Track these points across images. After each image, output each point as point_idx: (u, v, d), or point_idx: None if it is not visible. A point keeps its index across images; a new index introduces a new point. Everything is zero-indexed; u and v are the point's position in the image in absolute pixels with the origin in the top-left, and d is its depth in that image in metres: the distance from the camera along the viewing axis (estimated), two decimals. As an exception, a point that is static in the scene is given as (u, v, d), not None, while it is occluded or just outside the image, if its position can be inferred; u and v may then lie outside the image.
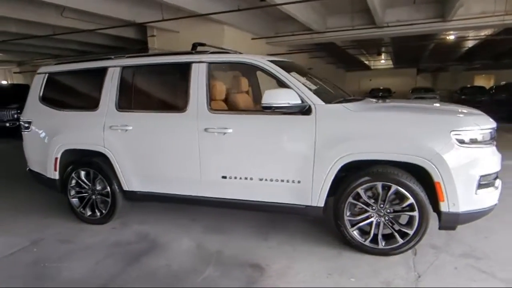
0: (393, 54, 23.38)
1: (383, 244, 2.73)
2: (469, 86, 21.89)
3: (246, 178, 2.99)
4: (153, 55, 3.44)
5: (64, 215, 3.81)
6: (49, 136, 3.66)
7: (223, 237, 3.23)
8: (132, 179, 3.39)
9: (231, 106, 3.55)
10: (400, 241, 2.69)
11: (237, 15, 8.40)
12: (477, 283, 2.39)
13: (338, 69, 29.89)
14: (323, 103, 2.79)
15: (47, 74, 3.83)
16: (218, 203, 3.17)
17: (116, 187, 3.46)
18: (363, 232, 2.82)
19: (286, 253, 2.89)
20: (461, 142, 2.51)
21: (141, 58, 3.43)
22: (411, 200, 2.60)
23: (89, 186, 3.61)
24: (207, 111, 3.04)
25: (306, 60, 18.28)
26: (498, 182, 2.74)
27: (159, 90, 3.57)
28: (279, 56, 12.30)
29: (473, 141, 2.55)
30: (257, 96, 4.14)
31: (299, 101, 2.77)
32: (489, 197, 2.64)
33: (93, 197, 3.61)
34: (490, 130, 2.67)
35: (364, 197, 2.73)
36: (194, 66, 3.14)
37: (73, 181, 3.64)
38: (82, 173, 3.60)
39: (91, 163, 3.55)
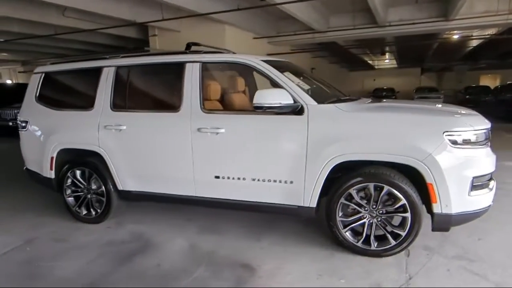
0: (396, 53, 23.25)
1: (375, 245, 2.71)
2: (474, 86, 21.74)
3: (239, 178, 2.98)
4: (148, 54, 3.45)
5: (60, 214, 3.83)
6: (45, 135, 3.68)
7: (217, 237, 3.23)
8: (126, 178, 3.39)
9: (227, 106, 3.54)
10: (393, 242, 2.67)
11: (238, 14, 8.39)
12: (469, 285, 2.36)
13: (342, 69, 29.79)
14: (316, 103, 2.77)
15: (43, 74, 3.85)
16: (211, 203, 3.17)
17: (111, 186, 3.47)
18: (356, 233, 2.80)
19: (278, 254, 2.88)
20: (454, 143, 2.49)
21: (136, 58, 3.43)
22: (403, 201, 2.58)
23: (84, 186, 3.62)
24: (200, 111, 3.04)
25: (308, 60, 18.26)
26: (492, 183, 2.70)
27: (153, 90, 3.57)
28: (281, 55, 12.34)
29: (467, 142, 2.53)
30: (253, 96, 4.12)
31: (291, 101, 2.75)
32: (483, 199, 2.61)
33: (89, 196, 3.63)
34: (484, 131, 2.64)
35: (357, 198, 2.71)
36: (187, 65, 3.14)
37: (69, 180, 3.65)
38: (78, 173, 3.62)
39: (86, 162, 3.56)
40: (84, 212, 3.65)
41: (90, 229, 3.51)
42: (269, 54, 12.14)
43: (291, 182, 2.82)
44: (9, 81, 20.39)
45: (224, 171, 3.02)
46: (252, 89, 4.24)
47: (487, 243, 2.95)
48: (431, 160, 2.45)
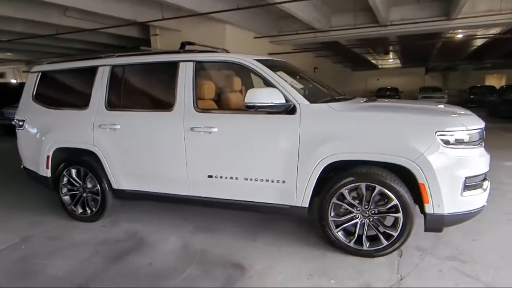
0: (400, 53, 23.12)
1: (367, 246, 2.70)
2: (478, 85, 21.59)
3: (231, 178, 2.98)
4: (142, 54, 3.45)
5: (57, 212, 3.85)
6: (42, 134, 3.70)
7: (211, 236, 3.23)
8: (121, 177, 3.40)
9: (223, 106, 3.55)
10: (385, 242, 2.65)
11: (238, 14, 8.38)
12: (459, 286, 2.34)
13: (345, 69, 29.69)
14: (308, 103, 2.76)
15: (40, 73, 3.87)
16: (205, 202, 3.17)
17: (106, 185, 3.48)
18: (348, 233, 2.79)
19: (271, 254, 2.87)
20: (446, 143, 2.47)
21: (130, 57, 3.44)
22: (395, 201, 2.56)
23: (80, 184, 3.64)
24: (193, 110, 3.04)
25: (311, 60, 18.21)
26: (486, 184, 2.67)
27: (147, 89, 3.58)
28: (282, 55, 12.33)
29: (459, 142, 2.50)
30: (249, 95, 4.12)
31: (283, 100, 2.75)
32: (476, 199, 2.58)
33: (84, 195, 3.64)
34: (478, 131, 2.61)
35: (349, 198, 2.69)
36: (181, 65, 3.14)
37: (65, 179, 3.67)
38: (73, 171, 3.63)
39: (82, 161, 3.58)
40: (80, 210, 3.66)
41: (85, 228, 3.52)
42: (270, 54, 12.14)
43: (283, 182, 2.82)
44: (13, 81, 20.55)
45: (217, 170, 3.02)
46: (248, 88, 4.23)
47: (481, 243, 2.93)
48: (423, 160, 2.43)
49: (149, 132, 3.23)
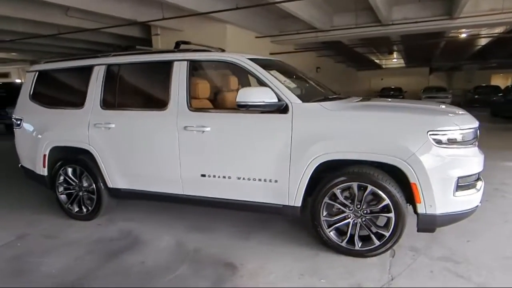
0: (403, 53, 22.97)
1: (359, 246, 2.68)
2: (483, 85, 21.43)
3: (224, 177, 2.98)
4: (137, 53, 3.46)
5: (54, 211, 3.87)
6: (38, 133, 3.73)
7: (205, 235, 3.23)
8: (116, 176, 3.42)
9: (218, 105, 3.55)
10: (377, 242, 2.64)
11: (239, 13, 8.38)
12: (449, 286, 2.33)
13: (349, 68, 29.55)
14: (300, 102, 2.76)
15: (37, 72, 3.90)
16: (198, 201, 3.17)
17: (101, 184, 3.50)
18: (340, 233, 2.77)
19: (263, 253, 2.87)
20: (439, 142, 2.45)
21: (125, 56, 3.46)
22: (386, 201, 2.55)
23: (76, 183, 3.66)
24: (187, 109, 3.05)
25: (314, 59, 18.15)
26: (480, 184, 2.65)
27: (142, 88, 3.60)
28: (284, 55, 12.30)
29: (452, 142, 2.48)
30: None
31: (275, 100, 2.74)
32: (470, 199, 2.56)
33: (80, 193, 3.66)
34: (471, 131, 2.59)
35: (341, 198, 2.68)
36: (175, 64, 3.15)
37: (61, 178, 3.70)
38: (69, 170, 3.66)
39: (78, 160, 3.60)
40: (76, 209, 3.69)
41: (81, 226, 3.54)
42: (272, 54, 12.13)
43: (276, 181, 2.81)
44: (17, 80, 20.71)
45: (210, 169, 3.02)
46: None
47: (475, 244, 2.90)
48: (415, 160, 2.42)
49: (143, 131, 3.24)
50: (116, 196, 3.54)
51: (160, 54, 3.35)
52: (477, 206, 2.64)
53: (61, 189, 3.73)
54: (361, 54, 20.77)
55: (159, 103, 3.18)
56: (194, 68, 3.20)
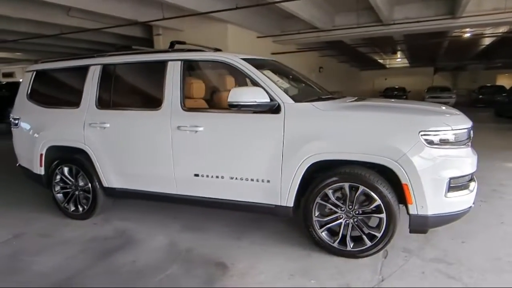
0: (407, 52, 22.84)
1: (351, 246, 2.67)
2: (488, 85, 21.25)
3: (217, 177, 2.98)
4: (132, 53, 3.47)
5: (52, 210, 3.88)
6: (35, 132, 3.75)
7: (198, 235, 3.24)
8: (110, 175, 3.43)
9: (212, 105, 3.55)
10: (368, 243, 2.62)
11: (239, 13, 8.37)
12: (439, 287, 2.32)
13: (352, 68, 29.45)
14: (293, 102, 2.75)
15: (34, 72, 3.93)
16: (191, 201, 3.18)
17: (97, 183, 3.51)
18: (332, 234, 2.76)
19: (255, 253, 2.87)
20: (430, 143, 2.43)
21: (120, 56, 3.47)
22: (378, 201, 2.53)
23: (72, 182, 3.68)
24: (180, 109, 3.05)
25: (316, 59, 18.10)
26: (473, 185, 2.63)
27: (137, 88, 3.62)
28: (286, 54, 12.29)
29: (444, 142, 2.46)
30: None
31: (268, 100, 2.74)
32: (462, 200, 2.54)
33: (76, 193, 3.68)
34: (464, 131, 2.57)
35: (332, 198, 2.67)
36: (169, 64, 3.16)
37: (58, 177, 3.72)
38: (66, 169, 3.68)
39: (73, 159, 3.62)
40: (72, 208, 3.70)
41: (77, 225, 3.56)
42: (273, 53, 12.12)
43: (268, 181, 2.81)
44: (21, 80, 20.92)
45: (203, 169, 3.02)
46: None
47: (469, 246, 2.88)
48: (406, 160, 2.40)
49: (137, 130, 3.25)
50: (111, 195, 3.56)
51: (154, 54, 3.36)
52: (470, 207, 2.62)
53: (57, 188, 3.75)
54: (364, 54, 20.69)
55: (154, 103, 3.19)
56: (188, 68, 3.21)
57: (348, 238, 2.68)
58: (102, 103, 3.42)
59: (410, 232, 2.60)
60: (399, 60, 28.48)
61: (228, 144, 2.91)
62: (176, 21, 9.00)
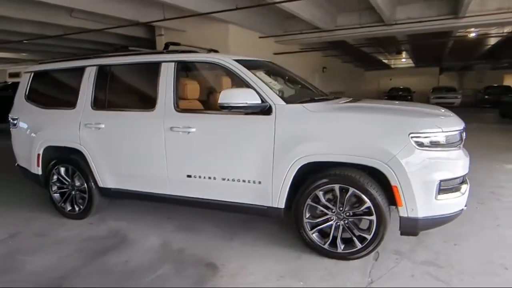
0: (411, 52, 22.68)
1: (341, 248, 2.67)
2: (494, 85, 21.04)
3: (209, 178, 3.00)
4: (127, 54, 3.50)
5: (50, 210, 3.92)
6: (33, 132, 3.80)
7: (191, 235, 3.25)
8: (106, 176, 3.46)
9: (207, 106, 3.56)
10: (359, 245, 2.62)
11: (241, 14, 8.38)
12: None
13: (356, 68, 29.30)
14: (284, 103, 2.75)
15: (32, 73, 3.98)
16: (184, 201, 3.20)
17: (92, 183, 3.55)
18: (323, 235, 2.76)
19: (246, 254, 2.87)
20: (420, 145, 2.42)
21: (115, 57, 3.50)
22: (368, 203, 2.53)
23: (68, 182, 3.72)
24: (173, 110, 3.07)
25: (320, 59, 18.05)
26: (465, 187, 2.61)
27: (131, 89, 3.64)
28: (289, 55, 12.29)
29: (434, 144, 2.45)
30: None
31: (259, 101, 2.74)
32: (453, 203, 2.53)
33: (73, 193, 3.72)
34: (455, 133, 2.55)
35: (323, 200, 2.67)
36: (163, 65, 3.18)
37: (55, 177, 3.76)
38: (62, 169, 3.72)
39: (70, 159, 3.66)
40: (69, 208, 3.74)
41: (73, 225, 3.60)
42: (276, 54, 12.12)
43: (259, 183, 2.82)
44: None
45: (196, 170, 3.04)
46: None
47: (462, 248, 2.86)
48: (396, 162, 2.39)
49: (131, 131, 3.27)
50: (106, 195, 3.59)
51: (149, 55, 3.39)
52: (462, 209, 2.60)
53: (54, 188, 3.79)
54: (368, 54, 20.56)
55: (147, 104, 3.21)
56: (182, 69, 3.22)
57: (338, 240, 2.67)
58: (97, 104, 3.45)
59: (401, 234, 2.59)
60: (404, 60, 28.27)
61: (220, 145, 2.92)
62: (178, 22, 9.03)
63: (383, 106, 3.02)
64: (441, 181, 2.43)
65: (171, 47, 3.42)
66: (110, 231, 3.41)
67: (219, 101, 2.71)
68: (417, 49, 20.69)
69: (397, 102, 3.37)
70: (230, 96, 2.72)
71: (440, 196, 2.45)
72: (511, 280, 2.40)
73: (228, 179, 2.93)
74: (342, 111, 2.80)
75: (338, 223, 2.68)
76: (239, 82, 4.14)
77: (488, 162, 5.71)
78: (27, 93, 3.96)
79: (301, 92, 3.57)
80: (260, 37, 11.38)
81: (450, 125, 2.55)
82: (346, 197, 2.60)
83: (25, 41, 10.53)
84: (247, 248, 2.98)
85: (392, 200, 2.53)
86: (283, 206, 2.78)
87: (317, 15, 9.65)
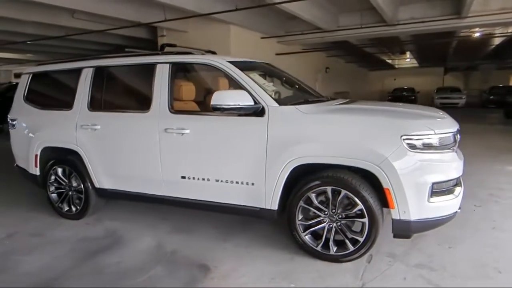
0: (415, 52, 22.54)
1: (334, 250, 2.66)
2: (499, 86, 20.85)
3: (203, 179, 3.00)
4: (123, 56, 3.51)
5: (48, 210, 3.94)
6: (31, 133, 3.83)
7: (185, 237, 3.26)
8: (102, 177, 3.48)
9: (204, 107, 3.56)
10: (351, 248, 2.61)
11: (242, 14, 8.38)
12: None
13: (360, 69, 29.18)
14: (277, 105, 2.75)
15: (31, 74, 4.01)
16: (178, 203, 3.21)
17: (89, 184, 3.57)
18: (316, 237, 2.75)
19: (239, 255, 2.87)
20: (413, 147, 2.40)
21: (112, 59, 3.52)
22: (360, 206, 2.51)
23: (66, 183, 3.74)
24: (168, 111, 3.08)
25: (323, 59, 18.00)
26: (458, 190, 2.59)
27: (127, 91, 3.66)
28: (291, 55, 12.27)
29: (427, 146, 2.44)
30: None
31: (251, 103, 2.74)
32: (446, 205, 2.51)
33: (70, 193, 3.74)
34: (448, 135, 2.53)
35: (315, 202, 2.66)
36: (158, 66, 3.19)
37: (52, 177, 3.79)
38: (59, 170, 3.74)
39: (67, 160, 3.69)
40: (66, 208, 3.77)
41: (70, 225, 3.62)
42: (278, 54, 12.12)
43: (252, 184, 2.81)
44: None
45: (190, 171, 3.04)
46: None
47: (456, 251, 2.84)
48: (387, 165, 2.38)
49: (127, 132, 3.29)
50: (102, 196, 3.61)
51: (144, 57, 3.39)
52: (456, 212, 2.58)
53: (52, 188, 3.82)
54: (372, 54, 20.48)
55: (143, 105, 3.22)
56: (176, 70, 3.23)
57: (331, 242, 2.66)
58: (94, 105, 3.47)
59: (394, 237, 2.58)
60: (408, 60, 28.13)
61: (213, 147, 2.92)
62: (180, 23, 9.05)
63: (376, 108, 3.01)
64: (433, 183, 2.41)
65: (167, 49, 3.44)
66: (106, 232, 3.43)
67: (211, 103, 2.71)
68: (421, 49, 20.58)
69: (394, 103, 3.35)
70: (222, 97, 2.72)
71: (433, 199, 2.43)
72: (504, 283, 2.38)
73: (221, 181, 2.93)
74: (335, 113, 2.79)
75: (331, 225, 2.67)
76: (234, 84, 4.19)
77: (489, 163, 5.66)
78: (25, 94, 4.00)
79: (295, 94, 3.56)
80: (262, 38, 11.37)
81: (443, 127, 2.53)
82: (338, 199, 2.59)
83: (28, 42, 10.62)
84: (241, 249, 2.98)
85: (384, 202, 2.52)
86: (276, 208, 2.77)
87: (318, 16, 9.62)
